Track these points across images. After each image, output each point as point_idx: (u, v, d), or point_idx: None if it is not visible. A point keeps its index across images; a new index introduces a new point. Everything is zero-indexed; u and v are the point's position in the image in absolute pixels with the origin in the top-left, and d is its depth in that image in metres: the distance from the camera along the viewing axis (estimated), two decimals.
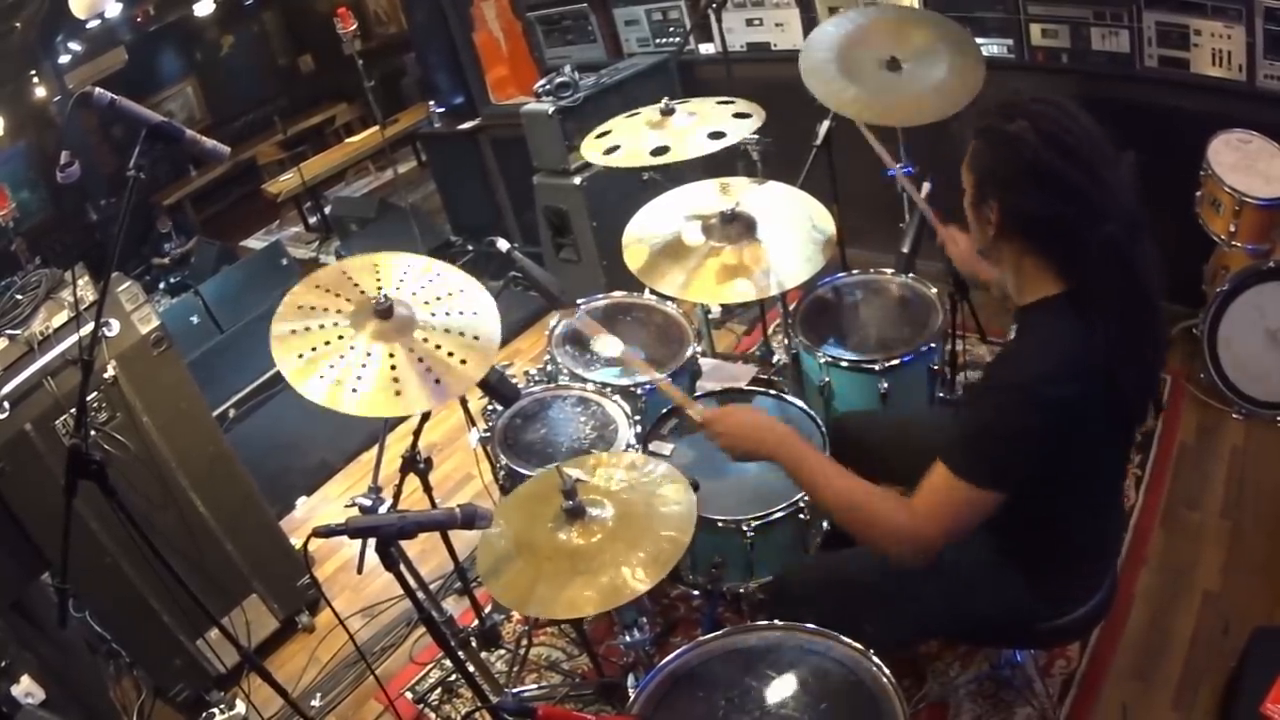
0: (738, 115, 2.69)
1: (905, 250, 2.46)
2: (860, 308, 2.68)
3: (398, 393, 1.77)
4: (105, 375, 2.44)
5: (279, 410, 4.45)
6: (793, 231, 2.36)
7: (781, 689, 1.51)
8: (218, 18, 8.99)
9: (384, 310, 1.87)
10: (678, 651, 1.62)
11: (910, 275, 2.63)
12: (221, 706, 2.72)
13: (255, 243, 8.14)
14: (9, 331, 2.40)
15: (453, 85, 4.96)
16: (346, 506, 1.96)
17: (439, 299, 1.98)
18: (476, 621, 2.53)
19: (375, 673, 2.61)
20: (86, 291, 2.54)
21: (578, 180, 3.77)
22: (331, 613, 2.93)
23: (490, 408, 2.45)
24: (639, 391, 2.46)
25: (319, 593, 3.02)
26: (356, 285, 1.95)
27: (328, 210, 7.54)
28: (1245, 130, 2.72)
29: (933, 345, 2.42)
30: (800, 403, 2.34)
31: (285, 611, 2.96)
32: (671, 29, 4.18)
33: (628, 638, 1.91)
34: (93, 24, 7.42)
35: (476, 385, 2.00)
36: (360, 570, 2.11)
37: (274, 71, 9.96)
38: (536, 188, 4.01)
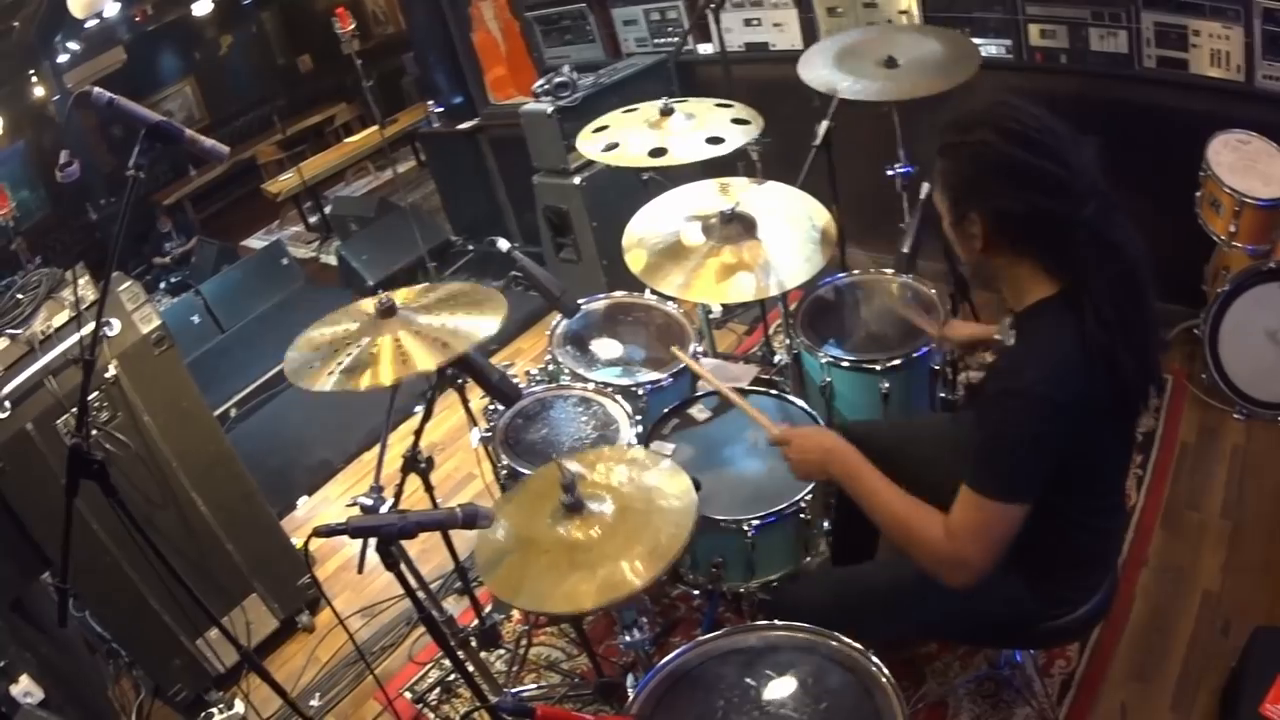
0: (736, 121, 2.70)
1: (905, 250, 2.46)
2: (861, 308, 2.68)
3: (404, 361, 1.88)
4: (106, 375, 2.44)
5: (280, 409, 4.46)
6: (792, 231, 2.36)
7: (781, 689, 1.51)
8: (216, 17, 9.01)
9: (386, 309, 1.98)
10: (677, 651, 1.62)
11: (910, 275, 2.63)
12: (220, 706, 2.72)
13: (255, 242, 8.15)
14: (10, 331, 2.40)
15: (451, 85, 4.97)
16: (348, 506, 1.95)
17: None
18: (476, 621, 2.53)
19: (374, 672, 2.61)
20: (87, 291, 2.54)
21: (578, 180, 3.78)
22: (331, 612, 2.94)
23: (492, 407, 2.45)
24: (640, 391, 2.46)
25: (319, 592, 3.03)
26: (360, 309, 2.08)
27: (328, 210, 7.55)
28: (1244, 130, 2.72)
29: (933, 345, 2.42)
30: (801, 403, 2.34)
31: (285, 611, 2.96)
32: (670, 29, 4.18)
33: (627, 637, 1.91)
34: (91, 23, 7.44)
35: (478, 385, 2.01)
36: (361, 570, 2.10)
37: (273, 71, 9.98)
38: (536, 188, 4.01)
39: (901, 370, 2.38)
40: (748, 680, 1.53)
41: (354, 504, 1.96)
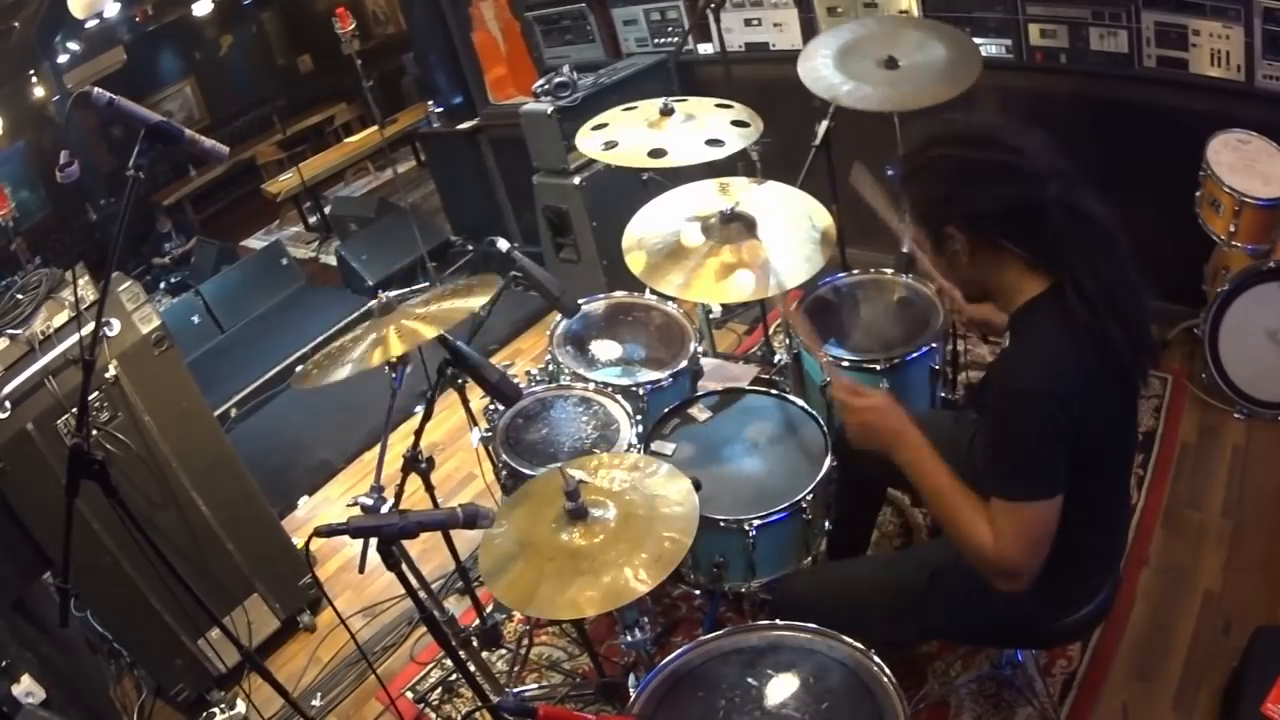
0: (736, 123, 2.70)
1: (905, 250, 2.46)
2: (861, 308, 2.68)
3: (411, 337, 2.02)
4: (106, 375, 2.44)
5: (281, 410, 4.46)
6: (792, 231, 2.36)
7: (782, 688, 1.51)
8: (216, 18, 9.00)
9: (387, 307, 2.05)
10: (679, 651, 1.62)
11: (910, 275, 2.63)
12: (222, 706, 2.73)
13: (255, 242, 8.15)
14: (10, 331, 2.40)
15: (452, 85, 4.97)
16: (348, 506, 1.95)
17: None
18: (478, 621, 2.54)
19: (376, 672, 2.61)
20: (87, 291, 2.55)
21: (577, 180, 3.78)
22: (333, 612, 2.94)
23: (492, 407, 2.45)
24: (640, 391, 2.46)
25: (320, 592, 3.03)
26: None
27: (327, 210, 7.55)
28: (1244, 130, 2.72)
29: (934, 345, 2.42)
30: (802, 403, 2.34)
31: (286, 611, 2.96)
32: (670, 29, 4.18)
33: (629, 637, 1.91)
34: (91, 24, 7.43)
35: (478, 385, 2.01)
36: (362, 570, 2.10)
37: (273, 71, 9.97)
38: (536, 188, 4.01)
39: (901, 370, 2.38)
40: (749, 680, 1.54)
41: (355, 504, 1.96)
